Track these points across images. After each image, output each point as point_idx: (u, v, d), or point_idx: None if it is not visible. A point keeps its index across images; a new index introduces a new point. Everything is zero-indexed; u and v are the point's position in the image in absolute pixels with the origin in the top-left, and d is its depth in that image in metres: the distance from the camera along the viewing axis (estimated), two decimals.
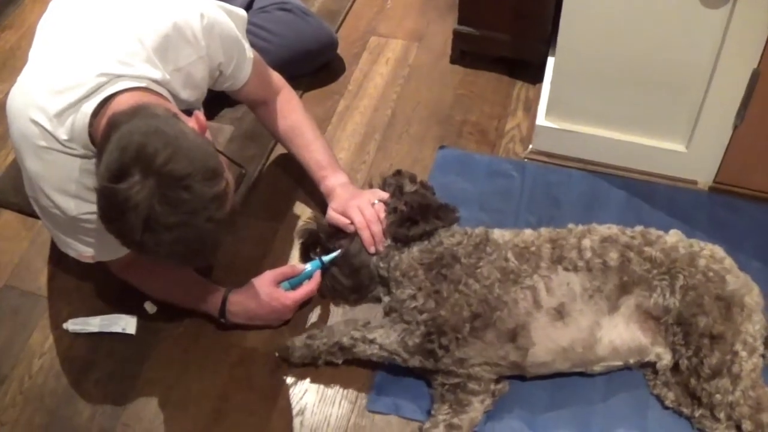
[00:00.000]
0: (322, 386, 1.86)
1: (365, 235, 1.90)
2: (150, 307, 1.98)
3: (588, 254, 1.78)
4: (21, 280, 2.08)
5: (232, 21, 1.85)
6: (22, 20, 2.86)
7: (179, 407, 1.84)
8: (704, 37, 1.93)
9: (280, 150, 2.30)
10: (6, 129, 1.73)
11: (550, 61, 2.36)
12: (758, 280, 1.80)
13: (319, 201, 2.12)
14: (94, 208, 1.57)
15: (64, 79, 1.59)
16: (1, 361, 1.92)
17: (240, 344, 1.93)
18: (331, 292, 1.96)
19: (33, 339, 1.96)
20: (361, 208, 1.91)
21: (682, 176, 2.24)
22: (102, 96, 1.57)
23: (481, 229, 1.87)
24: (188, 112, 1.61)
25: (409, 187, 1.93)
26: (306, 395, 1.85)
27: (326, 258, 1.92)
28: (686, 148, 2.17)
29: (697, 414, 1.74)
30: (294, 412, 1.82)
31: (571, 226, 1.88)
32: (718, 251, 1.81)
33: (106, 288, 2.02)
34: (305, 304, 1.96)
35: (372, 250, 1.90)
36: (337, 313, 1.98)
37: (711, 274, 1.74)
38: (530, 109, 2.45)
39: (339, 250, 1.92)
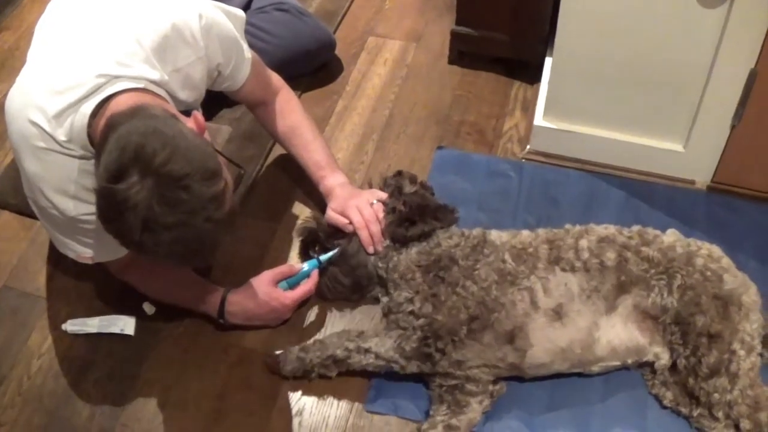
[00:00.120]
0: (320, 387, 1.85)
1: (364, 234, 1.90)
2: (149, 308, 1.98)
3: (585, 254, 1.78)
4: (20, 280, 2.08)
5: (231, 21, 1.85)
6: (20, 21, 2.86)
7: (178, 407, 1.84)
8: (702, 37, 1.93)
9: (278, 150, 2.31)
10: (4, 130, 1.73)
11: (548, 62, 2.36)
12: (756, 280, 1.80)
13: (318, 201, 2.12)
14: (92, 208, 1.57)
15: (62, 80, 1.59)
16: (0, 361, 1.92)
17: (239, 344, 1.93)
18: (329, 291, 1.96)
19: (32, 340, 1.96)
20: (359, 208, 1.92)
21: (680, 176, 2.24)
22: (101, 97, 1.57)
23: (478, 231, 1.87)
24: (187, 113, 1.61)
25: (408, 188, 1.94)
26: (305, 396, 1.85)
27: (324, 257, 1.92)
28: (684, 147, 2.18)
29: (695, 413, 1.74)
30: (293, 412, 1.82)
31: (568, 226, 1.88)
32: (716, 250, 1.81)
33: (105, 289, 2.02)
34: (303, 304, 1.96)
35: (370, 249, 1.90)
36: (335, 316, 1.98)
37: (708, 273, 1.74)
38: (528, 110, 2.46)
39: (336, 250, 1.92)
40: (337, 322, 1.97)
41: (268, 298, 1.88)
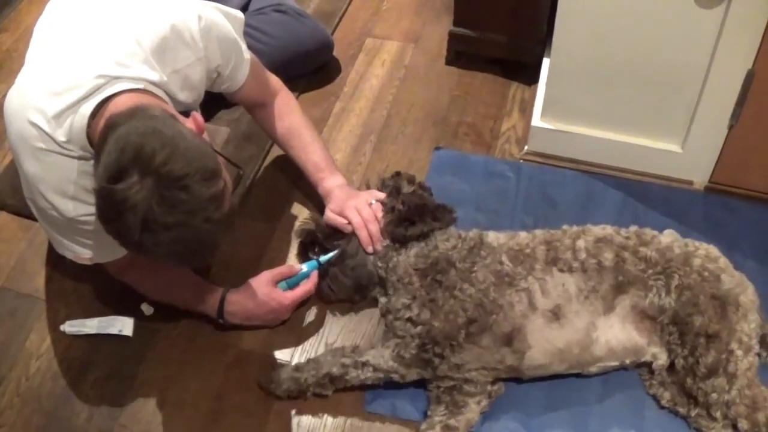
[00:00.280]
0: None
1: (363, 234, 1.90)
2: (147, 309, 1.98)
3: (583, 255, 1.79)
4: (18, 282, 2.08)
5: (229, 23, 1.85)
6: (18, 22, 2.86)
7: (176, 408, 1.84)
8: (699, 37, 1.93)
9: (277, 151, 2.31)
10: (3, 131, 1.73)
11: (546, 62, 2.37)
12: (753, 280, 1.80)
13: (317, 202, 2.12)
14: (91, 209, 1.57)
15: (62, 81, 1.59)
16: None
17: (237, 345, 1.93)
18: (331, 292, 1.96)
19: (30, 341, 1.96)
20: (358, 209, 1.92)
21: (678, 176, 2.25)
22: (100, 97, 1.57)
23: (475, 233, 1.87)
24: (186, 114, 1.61)
25: (406, 188, 1.94)
26: None
27: (323, 258, 1.92)
28: (681, 148, 2.18)
29: (693, 413, 1.74)
30: (291, 413, 1.82)
31: (565, 227, 1.89)
32: (713, 251, 1.81)
33: (104, 290, 2.02)
34: (302, 305, 1.96)
35: (370, 249, 1.91)
36: (334, 316, 1.98)
37: (706, 273, 1.74)
38: (526, 110, 2.46)
39: (336, 251, 1.93)
40: (335, 323, 1.97)
41: (267, 299, 1.88)
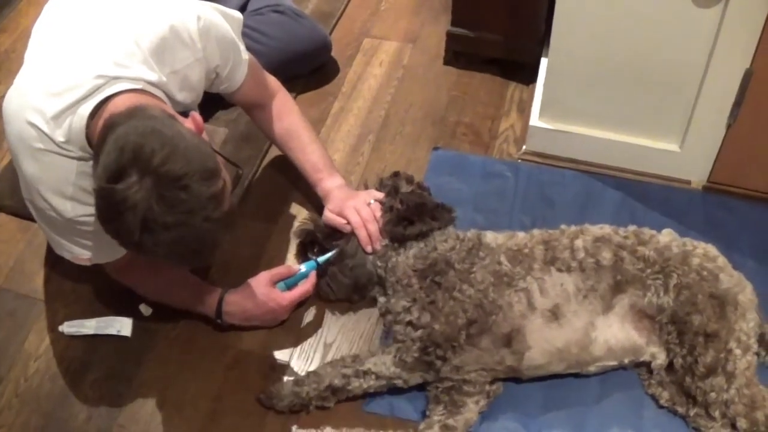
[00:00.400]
0: None
1: (362, 234, 1.91)
2: (145, 309, 1.98)
3: (581, 254, 1.79)
4: (16, 282, 2.08)
5: (228, 23, 1.85)
6: (16, 23, 2.86)
7: (175, 408, 1.84)
8: (697, 36, 1.93)
9: (275, 152, 2.31)
10: (2, 131, 1.73)
11: (544, 62, 2.37)
12: (752, 279, 1.80)
13: (315, 202, 2.12)
14: (90, 210, 1.57)
15: (60, 81, 1.59)
16: None
17: (235, 346, 1.93)
18: (331, 292, 1.96)
19: (29, 341, 1.96)
20: (357, 208, 1.92)
21: (676, 176, 2.25)
22: (99, 98, 1.57)
23: (473, 233, 1.88)
24: (184, 114, 1.61)
25: (405, 188, 1.94)
26: None
27: (321, 258, 1.92)
28: (680, 147, 2.18)
29: (692, 413, 1.74)
30: (289, 413, 1.82)
31: (563, 227, 1.89)
32: (711, 250, 1.81)
33: (102, 290, 2.02)
34: (300, 305, 1.96)
35: (369, 249, 1.91)
36: (333, 317, 1.98)
37: (704, 272, 1.75)
38: (524, 110, 2.46)
39: (334, 251, 1.93)
40: (334, 323, 1.97)
41: (265, 299, 1.88)
